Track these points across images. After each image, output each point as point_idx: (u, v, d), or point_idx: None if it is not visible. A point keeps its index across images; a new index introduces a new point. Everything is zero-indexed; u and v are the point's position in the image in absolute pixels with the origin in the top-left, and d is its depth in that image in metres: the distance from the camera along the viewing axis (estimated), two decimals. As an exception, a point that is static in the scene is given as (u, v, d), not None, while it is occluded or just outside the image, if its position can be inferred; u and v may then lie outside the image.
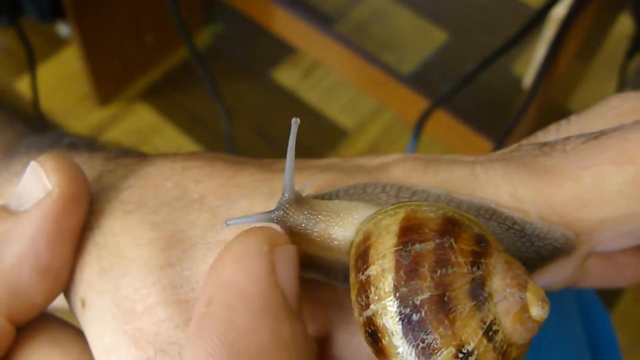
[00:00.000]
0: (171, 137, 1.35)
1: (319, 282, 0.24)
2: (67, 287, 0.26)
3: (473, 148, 1.28)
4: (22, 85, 1.36)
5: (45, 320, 0.26)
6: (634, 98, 0.26)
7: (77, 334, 0.26)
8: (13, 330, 0.24)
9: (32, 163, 0.25)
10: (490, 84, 1.36)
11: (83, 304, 0.25)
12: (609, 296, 1.22)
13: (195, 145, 1.34)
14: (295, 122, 0.24)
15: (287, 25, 1.43)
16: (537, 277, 0.23)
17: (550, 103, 1.00)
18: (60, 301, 0.26)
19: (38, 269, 0.24)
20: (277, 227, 0.23)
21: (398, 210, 0.22)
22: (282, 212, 0.23)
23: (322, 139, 1.36)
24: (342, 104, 1.41)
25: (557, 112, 1.09)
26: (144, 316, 0.24)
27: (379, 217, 0.22)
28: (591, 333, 0.42)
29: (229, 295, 0.21)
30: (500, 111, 1.37)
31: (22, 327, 0.25)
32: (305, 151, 1.32)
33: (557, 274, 0.24)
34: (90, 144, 0.32)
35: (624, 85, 0.99)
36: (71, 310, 0.26)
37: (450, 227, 0.21)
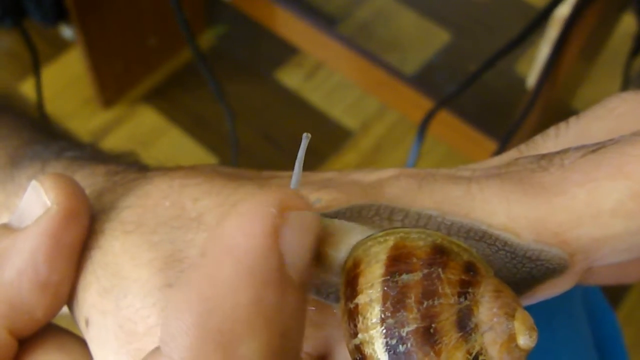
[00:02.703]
0: (175, 138, 1.36)
1: (318, 303, 0.24)
2: (71, 305, 0.27)
3: (477, 148, 1.28)
4: (26, 88, 1.36)
5: (50, 329, 0.26)
6: (633, 99, 0.25)
7: (82, 342, 0.26)
8: (14, 343, 0.25)
9: (33, 182, 0.25)
10: (493, 83, 1.36)
11: (87, 322, 0.26)
12: (614, 295, 1.22)
13: (199, 146, 1.34)
14: (306, 137, 0.24)
15: (291, 26, 1.43)
16: (531, 296, 0.23)
17: (554, 103, 1.00)
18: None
19: (37, 284, 0.25)
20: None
21: (387, 237, 0.22)
22: None
23: (325, 140, 1.36)
24: (346, 105, 1.41)
25: (561, 111, 1.09)
26: (145, 337, 0.24)
27: (369, 243, 0.22)
28: (597, 332, 0.42)
29: (219, 249, 0.20)
30: (504, 111, 1.37)
31: (27, 339, 0.26)
32: (309, 152, 1.31)
33: (552, 292, 0.23)
34: (93, 156, 0.33)
35: (627, 84, 0.99)
36: (77, 326, 0.27)
37: (438, 256, 0.21)
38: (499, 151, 0.88)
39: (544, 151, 0.25)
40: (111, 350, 0.24)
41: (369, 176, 0.26)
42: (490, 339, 0.20)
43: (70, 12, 1.16)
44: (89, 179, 0.30)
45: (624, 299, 1.22)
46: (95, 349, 0.25)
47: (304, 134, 0.24)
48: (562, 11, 1.05)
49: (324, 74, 1.44)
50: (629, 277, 0.30)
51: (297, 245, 0.20)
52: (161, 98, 1.40)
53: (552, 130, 0.27)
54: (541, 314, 0.35)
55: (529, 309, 0.23)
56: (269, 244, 0.20)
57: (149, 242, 0.25)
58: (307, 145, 0.24)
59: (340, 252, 0.23)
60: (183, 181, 0.27)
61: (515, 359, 0.20)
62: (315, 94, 1.42)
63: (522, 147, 0.27)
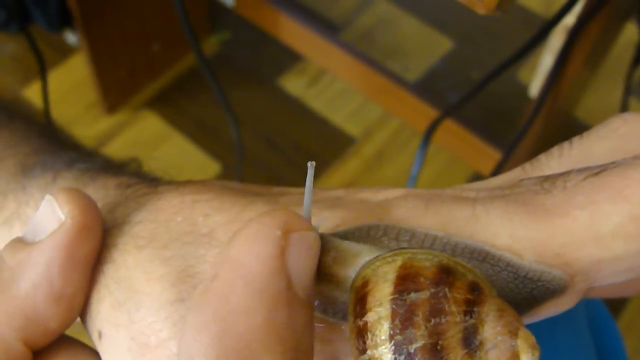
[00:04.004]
0: (178, 144, 1.36)
1: (325, 320, 0.25)
2: (84, 318, 0.27)
3: (479, 155, 1.29)
4: (30, 93, 1.36)
5: (64, 341, 0.27)
6: (633, 120, 0.26)
7: (95, 354, 0.27)
8: (29, 354, 0.25)
9: (47, 197, 0.26)
10: (496, 91, 1.37)
11: (100, 335, 0.26)
12: (615, 305, 1.23)
13: (202, 152, 1.35)
14: (311, 166, 0.25)
15: (294, 33, 1.43)
16: (533, 316, 0.24)
17: (557, 112, 1.00)
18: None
19: (52, 296, 0.25)
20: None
21: (395, 257, 0.22)
22: None
23: (328, 147, 1.36)
24: (348, 112, 1.41)
25: (564, 120, 1.10)
26: (157, 350, 0.24)
27: (378, 263, 0.22)
28: (599, 342, 0.43)
29: (231, 273, 0.21)
30: (506, 119, 1.37)
31: (40, 351, 0.26)
32: (312, 159, 1.32)
33: (553, 311, 0.24)
34: (103, 167, 0.33)
35: (629, 93, 0.99)
36: (89, 337, 0.27)
37: (444, 276, 0.21)
38: (504, 161, 0.88)
39: (548, 170, 0.26)
40: None
41: (377, 195, 0.26)
42: (494, 357, 0.20)
43: (75, 17, 1.16)
44: (101, 191, 0.30)
45: (624, 310, 1.23)
46: None
47: (309, 163, 0.24)
48: (566, 21, 1.05)
49: (327, 81, 1.45)
50: (628, 292, 0.30)
51: (302, 265, 0.22)
52: (164, 104, 1.41)
53: (555, 150, 0.27)
54: (544, 324, 0.35)
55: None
56: (276, 266, 0.21)
57: (161, 257, 0.26)
58: (313, 173, 0.25)
59: (349, 272, 0.23)
60: (194, 197, 0.28)
61: None
62: (318, 100, 1.42)
63: (527, 166, 0.27)
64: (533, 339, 0.21)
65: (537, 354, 0.20)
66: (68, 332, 0.27)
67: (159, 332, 0.24)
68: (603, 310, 0.46)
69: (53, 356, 0.26)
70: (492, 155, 1.23)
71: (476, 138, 1.27)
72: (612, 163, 0.23)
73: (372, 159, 1.36)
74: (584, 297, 0.29)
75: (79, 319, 0.27)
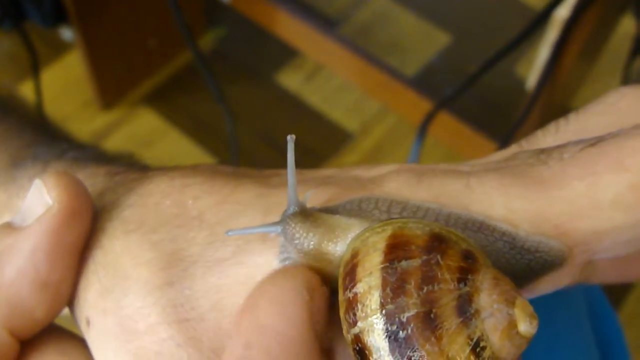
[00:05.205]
0: (175, 141, 1.36)
1: None
2: (72, 306, 0.26)
3: (477, 150, 1.28)
4: (25, 90, 1.36)
5: (51, 331, 0.26)
6: (632, 93, 0.26)
7: (83, 345, 0.26)
8: (16, 344, 0.25)
9: (36, 180, 0.25)
10: (493, 85, 1.36)
11: (88, 322, 0.26)
12: (616, 296, 1.22)
13: (199, 148, 1.34)
14: (291, 139, 0.24)
15: (291, 28, 1.43)
16: (531, 290, 0.23)
17: (553, 104, 1.00)
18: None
19: (37, 283, 0.24)
20: (281, 243, 0.24)
21: (385, 227, 0.22)
22: (285, 224, 0.23)
23: (326, 142, 1.36)
24: (346, 107, 1.41)
25: (561, 113, 1.09)
26: (145, 335, 0.24)
27: (367, 234, 0.22)
28: (599, 332, 0.42)
29: (268, 340, 0.21)
30: (504, 113, 1.37)
31: (28, 341, 0.25)
32: (309, 154, 1.32)
33: (552, 286, 0.23)
34: (95, 157, 0.33)
35: (627, 85, 0.99)
36: (78, 327, 0.27)
37: (436, 243, 0.21)
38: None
39: (544, 145, 0.25)
40: (111, 349, 0.24)
41: (369, 172, 0.26)
42: (490, 325, 0.20)
43: (70, 14, 1.16)
44: (90, 179, 0.30)
45: (625, 300, 1.22)
46: (96, 349, 0.25)
47: (289, 136, 0.24)
48: (562, 13, 1.05)
49: (324, 76, 1.44)
50: (630, 274, 0.30)
51: (322, 318, 0.22)
52: (161, 100, 1.40)
53: (552, 126, 0.27)
54: (544, 313, 0.35)
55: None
56: (310, 328, 0.21)
57: (150, 241, 0.25)
58: (293, 146, 0.24)
59: (339, 247, 0.23)
60: (184, 180, 0.27)
61: (516, 345, 0.20)
62: (315, 96, 1.42)
63: (523, 142, 0.27)
64: (531, 308, 0.20)
65: (535, 322, 0.20)
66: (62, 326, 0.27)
67: (147, 317, 0.24)
68: (603, 301, 0.46)
69: (40, 346, 0.26)
70: (490, 150, 1.23)
71: (474, 132, 1.26)
72: (609, 134, 0.22)
73: (370, 154, 1.35)
74: (584, 281, 0.29)
75: (67, 310, 0.27)
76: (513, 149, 0.27)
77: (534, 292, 0.23)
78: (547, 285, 0.23)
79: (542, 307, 0.25)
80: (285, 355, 0.21)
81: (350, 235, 0.23)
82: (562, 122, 0.27)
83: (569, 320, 0.39)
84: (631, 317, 1.21)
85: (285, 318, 0.21)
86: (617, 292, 1.23)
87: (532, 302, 0.23)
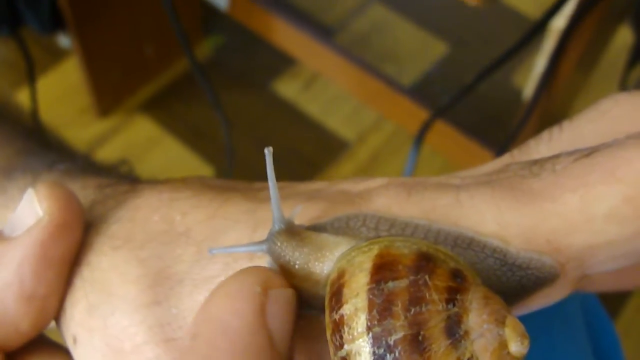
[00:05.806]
0: (171, 148, 1.35)
1: (308, 316, 0.24)
2: (59, 321, 0.26)
3: (473, 159, 1.28)
4: (22, 97, 1.36)
5: (38, 343, 0.26)
6: (626, 100, 0.25)
7: (69, 357, 0.26)
8: (0, 355, 0.25)
9: (29, 190, 0.25)
10: (490, 95, 1.36)
11: (74, 340, 0.25)
12: (613, 306, 1.22)
13: (195, 156, 1.34)
14: (269, 152, 0.24)
15: (288, 36, 1.43)
16: (522, 307, 0.23)
17: (550, 114, 1.00)
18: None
19: (22, 296, 0.24)
20: (268, 262, 0.23)
21: (372, 246, 0.21)
22: (271, 243, 0.23)
23: (322, 151, 1.35)
24: (343, 116, 1.41)
25: (557, 123, 1.09)
26: (132, 355, 0.24)
27: (353, 254, 0.21)
28: (596, 343, 0.42)
29: (213, 331, 0.21)
30: (501, 122, 1.37)
31: (14, 353, 0.25)
32: (306, 163, 1.32)
33: (545, 301, 0.23)
34: (85, 168, 0.32)
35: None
36: (65, 343, 0.26)
37: (424, 263, 0.20)
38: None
39: (537, 155, 0.25)
40: None
41: (358, 186, 0.25)
42: (480, 346, 0.19)
43: (68, 20, 1.16)
44: (80, 192, 0.29)
45: (622, 311, 1.22)
46: None
47: (266, 149, 0.24)
48: (558, 23, 1.05)
49: (321, 85, 1.44)
50: (628, 283, 0.29)
51: (281, 320, 0.21)
52: (158, 108, 1.40)
53: (545, 134, 0.26)
54: (539, 322, 0.34)
55: (526, 316, 0.23)
56: (258, 322, 0.21)
57: (137, 258, 0.25)
58: (271, 161, 0.24)
59: (326, 266, 0.22)
60: (172, 194, 0.27)
61: None
62: (312, 104, 1.42)
63: (515, 152, 0.26)
64: (522, 327, 0.20)
65: (526, 342, 0.19)
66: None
67: (134, 337, 0.24)
68: (600, 312, 0.46)
69: (26, 357, 0.25)
70: (487, 159, 1.23)
71: (471, 142, 1.26)
72: (603, 144, 0.21)
73: (367, 163, 1.35)
74: (579, 289, 0.28)
75: (54, 323, 0.26)
76: (505, 159, 0.26)
77: (527, 308, 0.23)
78: (539, 301, 0.23)
79: (537, 317, 0.24)
80: (228, 345, 0.20)
81: (337, 254, 0.22)
82: (555, 130, 0.26)
83: (565, 330, 0.39)
84: (628, 327, 1.20)
85: (231, 308, 0.21)
86: (614, 301, 1.22)
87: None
